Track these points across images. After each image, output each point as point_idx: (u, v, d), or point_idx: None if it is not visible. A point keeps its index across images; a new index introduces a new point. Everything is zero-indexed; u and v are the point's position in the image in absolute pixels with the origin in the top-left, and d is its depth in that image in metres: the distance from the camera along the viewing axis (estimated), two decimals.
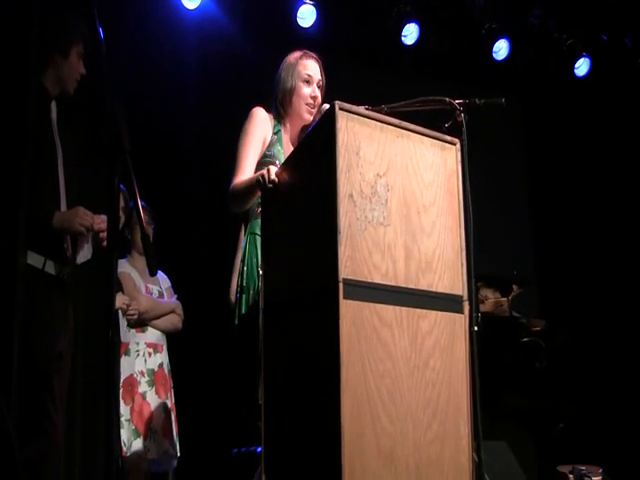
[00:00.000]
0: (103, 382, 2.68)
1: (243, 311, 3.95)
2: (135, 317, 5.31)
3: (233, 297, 4.07)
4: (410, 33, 7.30)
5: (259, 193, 3.73)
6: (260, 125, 4.14)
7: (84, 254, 3.93)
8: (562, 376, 6.26)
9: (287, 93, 4.20)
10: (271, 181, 3.47)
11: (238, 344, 4.02)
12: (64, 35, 3.91)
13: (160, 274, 5.72)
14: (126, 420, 5.13)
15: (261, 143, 4.12)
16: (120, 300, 5.13)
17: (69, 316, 3.91)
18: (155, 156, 6.17)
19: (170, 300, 5.67)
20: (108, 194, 2.56)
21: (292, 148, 4.19)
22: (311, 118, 4.22)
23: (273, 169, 3.50)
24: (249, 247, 4.03)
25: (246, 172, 3.99)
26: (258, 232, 3.95)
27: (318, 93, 4.22)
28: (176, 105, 6.65)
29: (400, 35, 7.28)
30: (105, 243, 3.68)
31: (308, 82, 4.20)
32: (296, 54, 4.26)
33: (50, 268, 3.73)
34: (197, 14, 6.65)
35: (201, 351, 6.23)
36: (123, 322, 5.25)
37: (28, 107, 3.60)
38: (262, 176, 3.52)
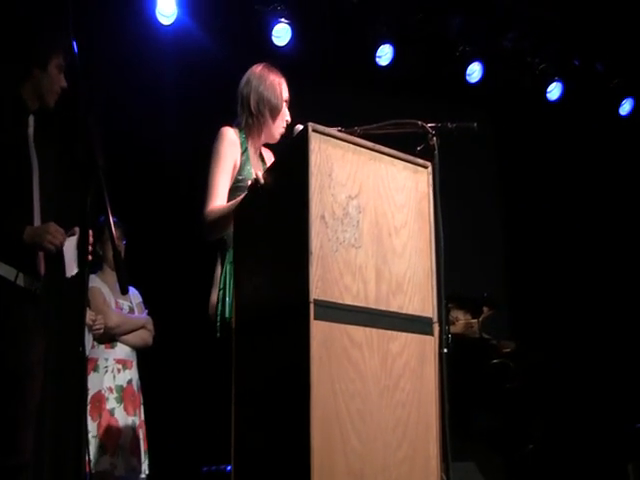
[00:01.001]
0: (72, 397, 2.67)
1: (220, 337, 3.91)
2: (101, 332, 5.28)
3: (212, 314, 4.03)
4: (385, 54, 7.35)
5: None
6: (230, 148, 4.10)
7: (72, 268, 3.89)
8: (532, 397, 6.29)
9: (274, 110, 4.20)
10: (260, 187, 3.43)
11: (215, 370, 4.00)
12: (43, 47, 3.88)
13: (131, 289, 5.71)
14: (93, 436, 5.10)
15: (232, 166, 4.09)
16: (87, 316, 5.11)
17: (40, 330, 3.89)
18: (131, 171, 6.18)
19: (140, 315, 5.65)
20: (80, 210, 2.56)
21: (257, 163, 4.22)
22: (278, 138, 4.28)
23: (259, 174, 3.45)
24: (227, 276, 3.97)
25: (219, 197, 3.98)
26: None
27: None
28: (152, 120, 6.65)
29: (375, 56, 7.32)
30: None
31: (286, 104, 4.26)
32: (277, 72, 4.27)
33: (22, 281, 3.71)
34: (172, 29, 6.66)
35: (172, 367, 6.22)
36: (89, 337, 5.23)
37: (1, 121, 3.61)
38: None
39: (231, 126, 4.19)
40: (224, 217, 3.85)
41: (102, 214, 2.81)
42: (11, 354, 3.66)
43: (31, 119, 3.92)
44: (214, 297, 4.05)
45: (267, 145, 4.36)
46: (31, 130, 3.90)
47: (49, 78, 3.90)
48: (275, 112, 4.20)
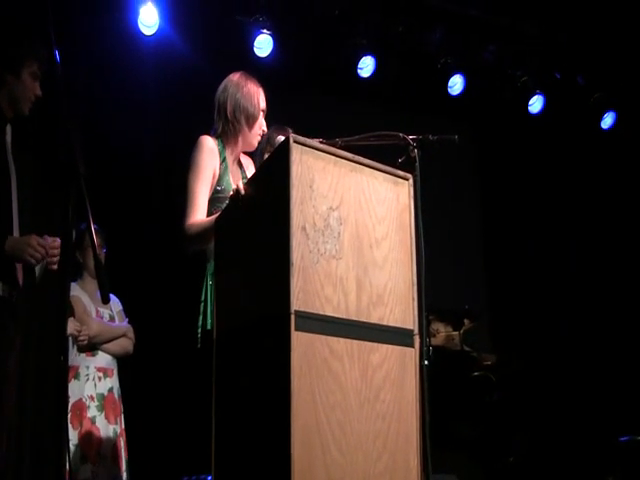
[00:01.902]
0: (53, 406, 2.66)
1: (201, 351, 3.90)
2: (85, 342, 5.27)
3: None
4: (366, 66, 7.34)
5: None
6: (209, 157, 4.07)
7: (39, 273, 3.89)
8: (513, 409, 6.30)
9: (250, 118, 4.18)
10: (241, 199, 3.41)
11: (196, 381, 3.99)
12: (16, 54, 3.86)
13: (112, 297, 5.69)
14: (74, 445, 5.05)
15: (211, 176, 4.06)
16: (71, 326, 5.09)
17: (17, 339, 3.87)
18: (112, 179, 6.18)
19: (121, 324, 5.63)
20: (62, 218, 2.55)
21: (235, 170, 4.21)
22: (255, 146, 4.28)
23: (240, 185, 3.44)
24: (209, 288, 3.95)
25: (200, 209, 3.95)
26: None
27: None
28: (133, 129, 6.65)
29: (356, 67, 7.33)
30: (54, 267, 3.68)
31: (263, 113, 4.25)
32: (254, 81, 4.26)
33: (1, 291, 3.69)
34: (154, 40, 6.65)
35: (152, 376, 6.20)
36: (74, 348, 5.21)
37: None
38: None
39: (209, 135, 4.18)
40: (205, 231, 3.82)
41: (83, 221, 2.79)
42: None
43: (8, 127, 3.90)
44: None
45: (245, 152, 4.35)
46: (8, 138, 3.88)
47: (23, 85, 3.87)
48: (251, 120, 4.19)
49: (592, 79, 8.08)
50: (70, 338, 5.10)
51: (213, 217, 3.82)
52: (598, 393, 7.56)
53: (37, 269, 3.84)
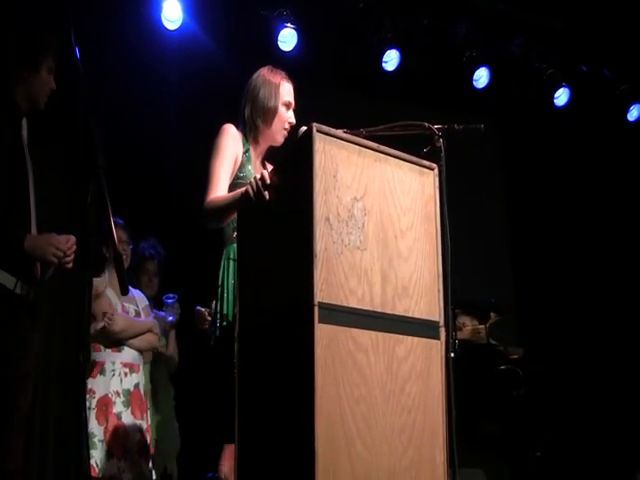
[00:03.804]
0: (73, 404, 2.64)
1: (218, 335, 3.93)
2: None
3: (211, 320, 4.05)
4: (391, 59, 7.32)
5: (236, 213, 3.72)
6: (232, 142, 4.09)
7: (49, 272, 3.89)
8: (539, 404, 6.26)
9: (268, 112, 4.17)
10: (266, 186, 3.39)
11: (213, 368, 3.99)
12: (34, 49, 3.86)
13: (137, 293, 5.71)
14: (99, 440, 5.05)
15: (233, 160, 4.08)
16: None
17: (36, 338, 3.87)
18: (134, 176, 6.18)
19: (147, 319, 5.62)
20: (81, 213, 2.54)
21: (259, 167, 4.18)
22: (282, 141, 4.24)
23: (265, 173, 3.42)
24: (225, 272, 4.01)
25: (220, 189, 3.96)
26: (234, 257, 3.93)
27: (294, 120, 4.22)
28: (156, 125, 6.66)
29: (381, 61, 7.30)
30: (69, 266, 3.68)
31: (287, 106, 4.21)
32: (276, 75, 4.23)
33: (20, 289, 3.68)
34: (177, 35, 6.65)
35: (177, 372, 6.20)
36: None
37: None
38: (253, 186, 3.44)
39: (236, 126, 4.18)
40: (225, 206, 3.84)
41: (103, 215, 2.78)
42: (7, 363, 3.64)
43: (24, 122, 3.90)
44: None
45: (270, 159, 4.33)
46: (25, 133, 3.88)
47: (40, 80, 3.88)
48: (270, 116, 4.17)
49: (618, 71, 8.02)
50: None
51: (232, 193, 3.84)
52: (626, 388, 7.50)
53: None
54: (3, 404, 3.62)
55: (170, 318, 6.06)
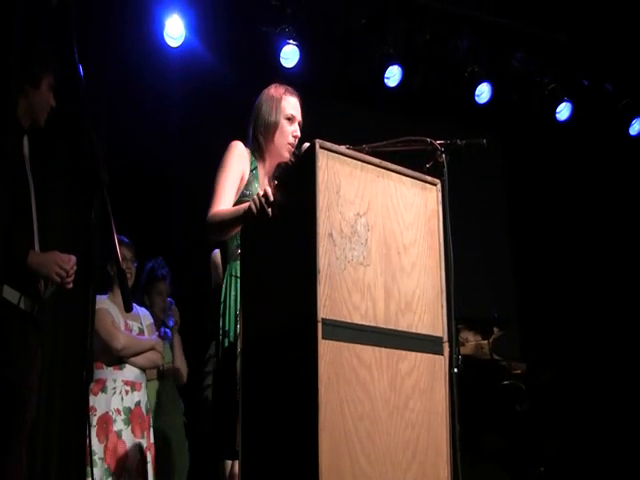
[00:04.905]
0: (76, 421, 2.65)
1: (222, 353, 3.92)
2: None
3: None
4: (393, 75, 7.32)
5: (239, 227, 3.71)
6: (239, 158, 4.08)
7: (50, 289, 3.90)
8: (543, 419, 6.25)
9: (269, 127, 4.15)
10: (269, 203, 3.37)
11: (216, 386, 3.99)
12: (35, 65, 3.88)
13: (142, 310, 5.70)
14: (99, 458, 5.04)
15: (239, 176, 4.06)
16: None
17: (39, 354, 3.87)
18: (137, 191, 6.19)
19: (150, 337, 5.61)
20: (85, 230, 2.54)
21: (266, 185, 4.15)
22: (289, 156, 4.21)
23: (268, 189, 3.40)
24: (228, 289, 3.99)
25: (225, 202, 3.95)
26: (237, 274, 3.92)
27: (299, 133, 4.20)
28: (159, 142, 6.67)
29: (383, 76, 7.31)
30: (70, 286, 3.69)
31: (290, 120, 4.18)
32: (279, 89, 4.23)
33: (24, 304, 3.69)
34: (180, 52, 6.67)
35: (181, 390, 6.19)
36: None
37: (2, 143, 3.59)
38: (256, 202, 3.42)
39: (245, 144, 4.17)
40: (228, 220, 3.83)
41: (107, 231, 2.79)
42: (12, 377, 3.64)
43: (25, 140, 3.91)
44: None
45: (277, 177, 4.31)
46: (26, 150, 3.89)
47: (41, 96, 3.90)
48: (270, 130, 4.16)
49: (620, 86, 8.03)
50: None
51: (235, 207, 3.85)
52: (630, 402, 7.49)
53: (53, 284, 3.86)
54: (8, 418, 3.62)
55: (170, 322, 6.05)
